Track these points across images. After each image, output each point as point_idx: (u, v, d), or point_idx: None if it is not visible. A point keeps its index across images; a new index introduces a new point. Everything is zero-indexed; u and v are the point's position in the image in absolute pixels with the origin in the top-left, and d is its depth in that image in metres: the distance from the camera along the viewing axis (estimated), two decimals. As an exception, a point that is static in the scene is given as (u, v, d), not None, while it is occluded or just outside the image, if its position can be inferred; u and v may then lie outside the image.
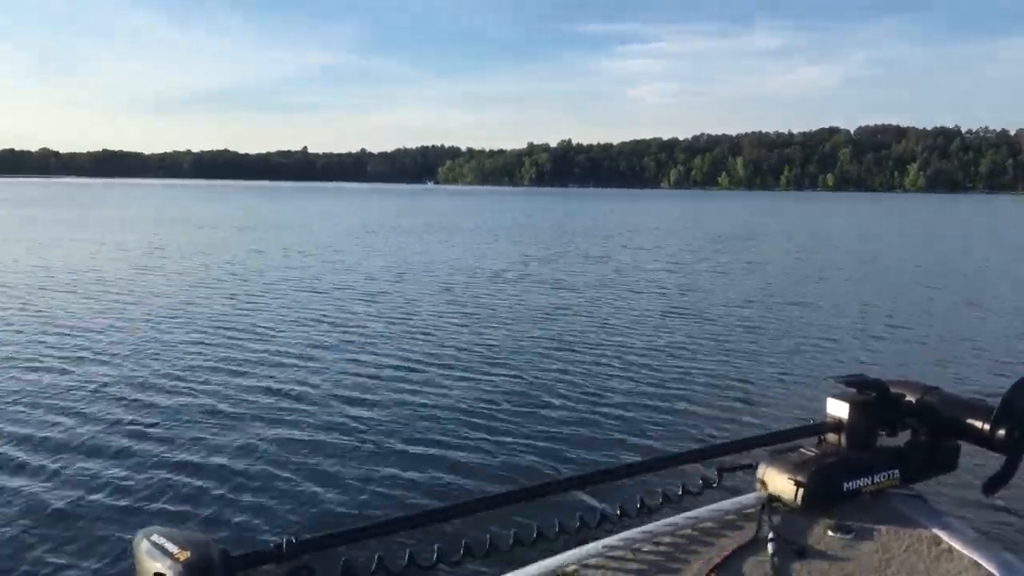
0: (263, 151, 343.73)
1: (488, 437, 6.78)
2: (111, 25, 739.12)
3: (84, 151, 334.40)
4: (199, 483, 5.72)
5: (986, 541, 1.23)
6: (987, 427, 1.29)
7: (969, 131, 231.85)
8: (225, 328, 11.58)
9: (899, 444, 1.39)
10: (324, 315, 12.89)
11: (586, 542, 1.18)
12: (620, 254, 26.19)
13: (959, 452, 1.38)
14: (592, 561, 1.14)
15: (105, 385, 8.34)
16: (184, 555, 0.81)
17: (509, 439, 6.74)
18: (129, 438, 6.66)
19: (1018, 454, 1.30)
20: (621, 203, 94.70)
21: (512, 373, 9.04)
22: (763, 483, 1.32)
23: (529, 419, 7.30)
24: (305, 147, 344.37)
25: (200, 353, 9.89)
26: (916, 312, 14.34)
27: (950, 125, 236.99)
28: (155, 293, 15.19)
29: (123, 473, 5.88)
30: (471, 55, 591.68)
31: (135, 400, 7.81)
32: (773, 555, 1.17)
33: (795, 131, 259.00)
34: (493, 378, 8.80)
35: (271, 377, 8.78)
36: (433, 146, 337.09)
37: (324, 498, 5.50)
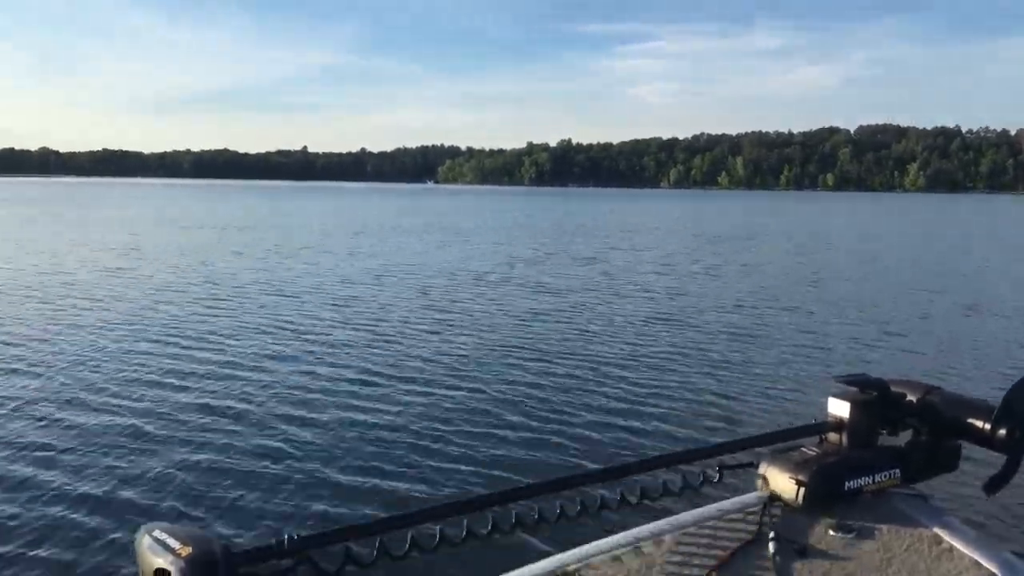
0: (263, 151, 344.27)
1: (491, 434, 6.78)
2: (111, 25, 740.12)
3: (84, 150, 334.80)
4: (200, 481, 5.72)
5: (987, 540, 1.23)
6: (988, 427, 1.29)
7: (969, 131, 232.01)
8: (225, 327, 11.60)
9: (900, 444, 1.39)
10: (326, 314, 12.91)
11: (588, 541, 1.18)
12: (622, 254, 26.19)
13: (960, 452, 1.38)
14: (594, 560, 1.14)
15: (105, 385, 8.35)
16: (186, 551, 0.81)
17: (512, 438, 6.74)
18: (129, 436, 6.66)
19: (1019, 454, 1.30)
20: (621, 203, 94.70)
21: (519, 370, 9.06)
22: (765, 482, 1.32)
23: (532, 418, 7.30)
24: (305, 147, 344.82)
25: (200, 353, 9.91)
26: (917, 312, 14.34)
27: (950, 125, 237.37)
28: (157, 292, 15.19)
29: (125, 470, 5.88)
30: (471, 55, 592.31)
31: (135, 400, 7.81)
32: (775, 554, 1.17)
33: (795, 131, 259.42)
34: (501, 375, 8.81)
35: (271, 377, 8.78)
36: (433, 146, 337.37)
37: (324, 497, 5.50)
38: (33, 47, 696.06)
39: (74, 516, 5.12)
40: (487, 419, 7.27)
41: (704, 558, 1.16)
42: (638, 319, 12.97)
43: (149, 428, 6.91)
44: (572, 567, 1.12)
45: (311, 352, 10.06)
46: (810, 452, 1.35)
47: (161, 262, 21.00)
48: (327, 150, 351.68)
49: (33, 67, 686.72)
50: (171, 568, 0.80)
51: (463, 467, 6.07)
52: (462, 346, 10.55)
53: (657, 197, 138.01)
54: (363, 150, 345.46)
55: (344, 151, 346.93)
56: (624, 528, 1.21)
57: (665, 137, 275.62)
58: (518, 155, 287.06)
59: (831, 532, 1.24)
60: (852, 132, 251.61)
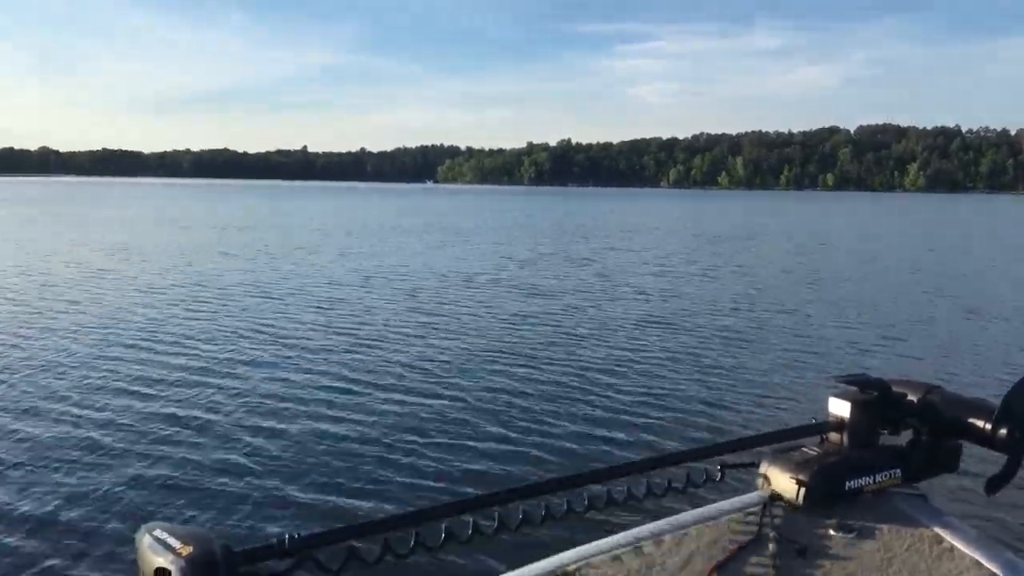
0: (262, 150, 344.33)
1: (495, 432, 6.79)
2: (111, 25, 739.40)
3: (84, 150, 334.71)
4: (200, 481, 5.73)
5: (988, 540, 1.23)
6: (989, 427, 1.29)
7: (969, 131, 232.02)
8: (222, 327, 11.61)
9: (901, 443, 1.39)
10: (344, 311, 12.91)
11: (588, 540, 1.18)
12: (623, 255, 26.23)
13: (961, 452, 1.38)
14: (594, 560, 1.14)
15: (104, 383, 8.35)
16: (187, 550, 0.81)
17: (515, 436, 6.75)
18: (130, 435, 6.67)
19: (1019, 454, 1.30)
20: (621, 203, 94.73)
21: (527, 366, 9.07)
22: (765, 482, 1.32)
23: (537, 416, 7.31)
24: (304, 146, 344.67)
25: (197, 353, 9.91)
26: (917, 312, 14.35)
27: (950, 125, 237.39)
28: (143, 294, 15.20)
29: (125, 470, 5.88)
30: (471, 55, 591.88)
31: (135, 399, 7.81)
32: (775, 554, 1.17)
33: (795, 131, 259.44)
34: (508, 371, 8.81)
35: (272, 375, 8.79)
36: (432, 145, 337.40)
37: (325, 496, 5.51)
38: (33, 47, 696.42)
39: (74, 516, 5.13)
40: (495, 419, 7.28)
41: (704, 558, 1.16)
42: (638, 320, 12.97)
43: (150, 427, 6.91)
44: (572, 567, 1.11)
45: (309, 352, 10.08)
46: (811, 452, 1.35)
47: (155, 263, 21.04)
48: (327, 150, 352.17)
49: (33, 67, 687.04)
50: (171, 567, 0.80)
51: (473, 465, 6.08)
52: (473, 346, 10.60)
53: (657, 197, 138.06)
54: (363, 150, 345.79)
55: (344, 151, 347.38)
56: (625, 527, 1.21)
57: (665, 137, 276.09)
58: (517, 155, 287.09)
59: (832, 532, 1.24)
60: (852, 132, 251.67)
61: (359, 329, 11.72)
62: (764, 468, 1.33)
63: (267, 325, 11.82)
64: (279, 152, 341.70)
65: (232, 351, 10.00)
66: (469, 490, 5.23)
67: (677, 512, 1.27)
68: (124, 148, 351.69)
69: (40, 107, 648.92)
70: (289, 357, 9.74)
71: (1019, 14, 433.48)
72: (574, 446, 6.58)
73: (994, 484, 1.32)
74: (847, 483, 1.29)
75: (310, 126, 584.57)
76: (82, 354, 9.69)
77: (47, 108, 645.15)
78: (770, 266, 22.62)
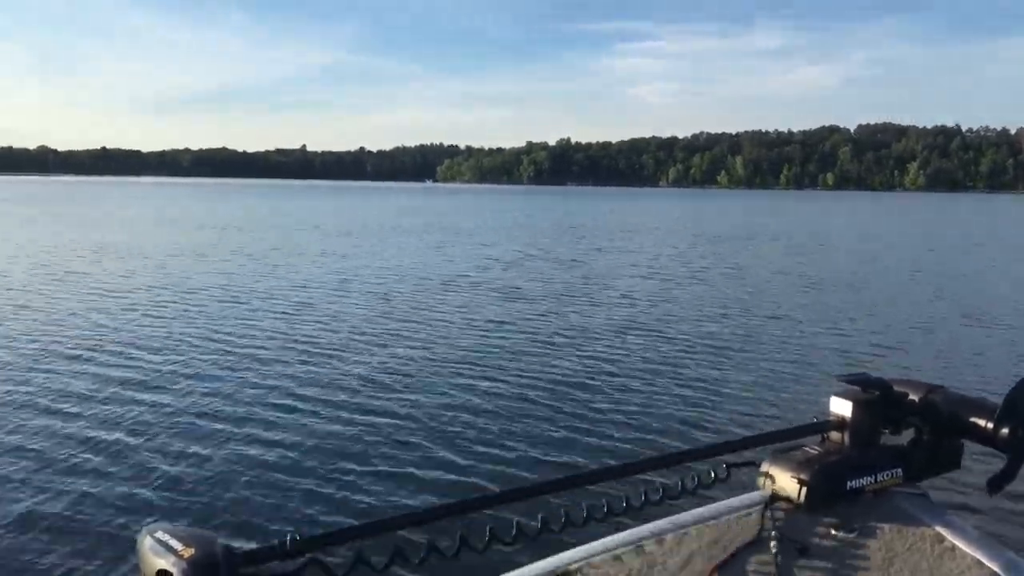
0: (262, 149, 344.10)
1: (495, 432, 6.79)
2: (111, 25, 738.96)
3: (83, 150, 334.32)
4: (201, 481, 5.72)
5: (989, 540, 1.23)
6: (990, 426, 1.29)
7: (969, 130, 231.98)
8: (224, 328, 11.61)
9: (902, 443, 1.39)
10: (362, 307, 12.90)
11: (589, 540, 1.18)
12: (623, 255, 26.23)
13: (962, 451, 1.38)
14: (595, 559, 1.14)
15: (104, 383, 8.34)
16: (188, 552, 0.81)
17: (517, 434, 6.75)
18: (131, 436, 6.67)
19: (1021, 453, 1.30)
20: (620, 202, 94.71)
21: (533, 367, 9.07)
22: (766, 481, 1.32)
23: (538, 416, 7.32)
24: (304, 146, 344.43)
25: (197, 352, 9.90)
26: (918, 312, 14.35)
27: (950, 124, 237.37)
28: (159, 293, 15.20)
29: (126, 471, 5.88)
30: (471, 55, 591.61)
31: (134, 399, 7.81)
32: (776, 553, 1.16)
33: (795, 130, 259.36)
34: (511, 372, 8.82)
35: (272, 375, 8.79)
36: (432, 145, 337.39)
37: (325, 496, 5.50)
38: (33, 47, 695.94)
39: (76, 519, 5.12)
40: (502, 417, 7.28)
41: (706, 557, 1.16)
42: (638, 320, 12.98)
43: (150, 427, 6.92)
44: (573, 566, 1.11)
45: (311, 352, 10.08)
46: (812, 451, 1.35)
47: (155, 263, 21.04)
48: (326, 149, 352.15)
49: (33, 67, 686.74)
50: (173, 569, 0.79)
51: (485, 465, 6.07)
52: (485, 345, 10.60)
53: (656, 196, 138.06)
54: (362, 149, 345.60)
55: (343, 150, 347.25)
56: (626, 527, 1.21)
57: (664, 136, 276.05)
58: (517, 154, 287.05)
59: (833, 531, 1.24)
60: (852, 131, 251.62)
61: (365, 329, 11.73)
62: (765, 467, 1.33)
63: (267, 325, 11.82)
64: (279, 151, 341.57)
65: (232, 351, 9.99)
66: (476, 493, 5.23)
67: (678, 511, 1.26)
68: (124, 148, 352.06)
69: (40, 107, 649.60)
70: (289, 357, 9.74)
71: (1019, 14, 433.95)
72: (576, 446, 6.58)
73: (996, 483, 1.32)
74: (848, 482, 1.29)
75: (310, 126, 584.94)
76: (82, 354, 9.68)
77: (47, 108, 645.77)
78: (769, 266, 22.62)
